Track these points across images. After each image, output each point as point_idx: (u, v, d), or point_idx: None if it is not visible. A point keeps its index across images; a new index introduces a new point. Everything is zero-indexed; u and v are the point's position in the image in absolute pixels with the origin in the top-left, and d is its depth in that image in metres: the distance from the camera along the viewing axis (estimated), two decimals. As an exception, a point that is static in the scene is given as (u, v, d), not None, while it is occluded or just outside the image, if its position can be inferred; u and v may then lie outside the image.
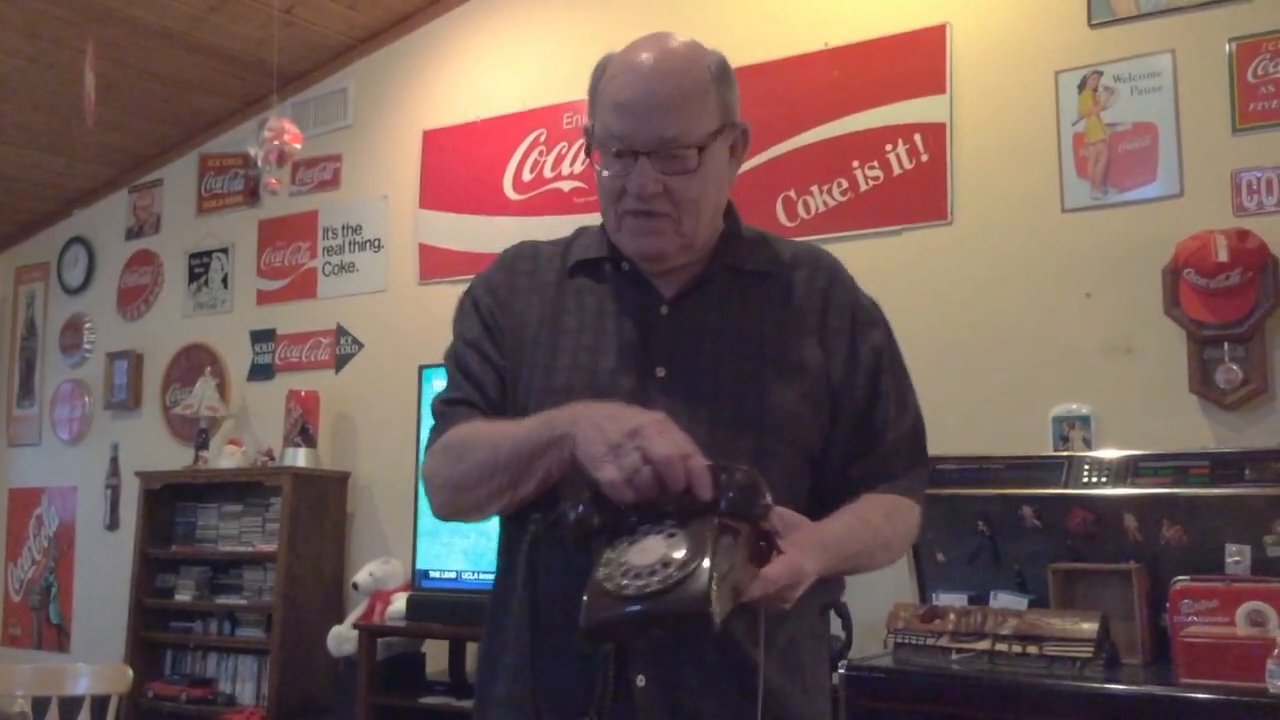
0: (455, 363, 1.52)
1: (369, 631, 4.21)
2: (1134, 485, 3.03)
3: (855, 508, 1.39)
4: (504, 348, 1.47)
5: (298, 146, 4.51)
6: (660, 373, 1.39)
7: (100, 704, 2.95)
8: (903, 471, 1.46)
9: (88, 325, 6.10)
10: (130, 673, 3.02)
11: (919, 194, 3.77)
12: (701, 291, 1.44)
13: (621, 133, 1.36)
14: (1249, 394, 3.16)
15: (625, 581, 1.08)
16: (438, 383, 4.38)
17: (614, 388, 1.37)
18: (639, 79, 1.36)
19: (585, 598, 1.10)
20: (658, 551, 1.09)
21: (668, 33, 1.43)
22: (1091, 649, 2.75)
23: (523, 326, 1.46)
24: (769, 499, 1.17)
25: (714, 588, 1.06)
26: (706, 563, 1.07)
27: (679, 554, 1.08)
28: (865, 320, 1.48)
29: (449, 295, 4.99)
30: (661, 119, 1.34)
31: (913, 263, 3.72)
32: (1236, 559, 2.86)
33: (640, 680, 1.30)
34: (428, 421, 4.81)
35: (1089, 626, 2.79)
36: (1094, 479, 3.08)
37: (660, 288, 1.45)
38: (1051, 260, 3.53)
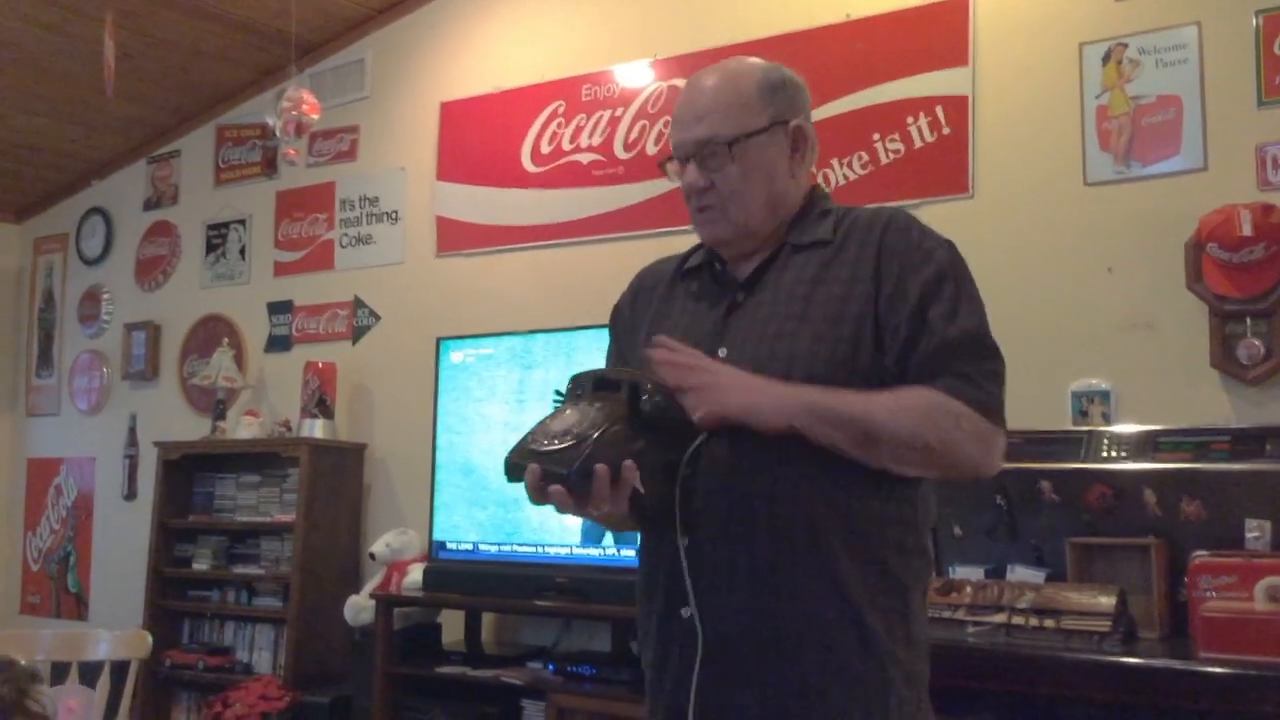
0: None
1: (386, 601, 4.23)
2: (1154, 460, 3.02)
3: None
4: (630, 355, 1.71)
5: (315, 117, 4.50)
6: (722, 353, 1.55)
7: (120, 669, 2.97)
8: (946, 371, 1.47)
9: (106, 296, 6.12)
10: (149, 638, 3.05)
11: (940, 167, 3.75)
12: (765, 274, 1.61)
13: (675, 142, 1.64)
14: (1271, 369, 3.14)
15: (536, 439, 1.39)
16: (455, 355, 4.41)
17: None
18: (685, 94, 1.65)
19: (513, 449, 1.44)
20: (570, 421, 1.39)
21: (740, 57, 1.68)
22: (1109, 623, 2.74)
23: (637, 329, 1.72)
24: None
25: (584, 454, 1.34)
26: (591, 436, 1.35)
27: (577, 428, 1.37)
28: (919, 259, 1.53)
29: (466, 268, 5.05)
30: (696, 124, 1.60)
31: (933, 236, 3.69)
32: (1256, 534, 2.84)
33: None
34: (445, 394, 4.83)
35: (1106, 600, 2.78)
36: (1113, 454, 3.06)
37: (738, 278, 1.63)
38: (1073, 234, 3.51)
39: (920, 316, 1.48)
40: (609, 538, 3.91)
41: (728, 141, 1.57)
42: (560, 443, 1.36)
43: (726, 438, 1.48)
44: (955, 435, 1.44)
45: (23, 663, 1.46)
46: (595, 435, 1.36)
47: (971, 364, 1.47)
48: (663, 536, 1.55)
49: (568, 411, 1.41)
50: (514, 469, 1.43)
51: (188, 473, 5.26)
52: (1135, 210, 3.42)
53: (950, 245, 1.57)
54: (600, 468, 1.36)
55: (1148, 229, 3.37)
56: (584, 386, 1.45)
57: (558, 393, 1.50)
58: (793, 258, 1.59)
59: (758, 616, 1.46)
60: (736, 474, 1.48)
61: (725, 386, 1.46)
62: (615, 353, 1.78)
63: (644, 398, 1.41)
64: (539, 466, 1.38)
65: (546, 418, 1.44)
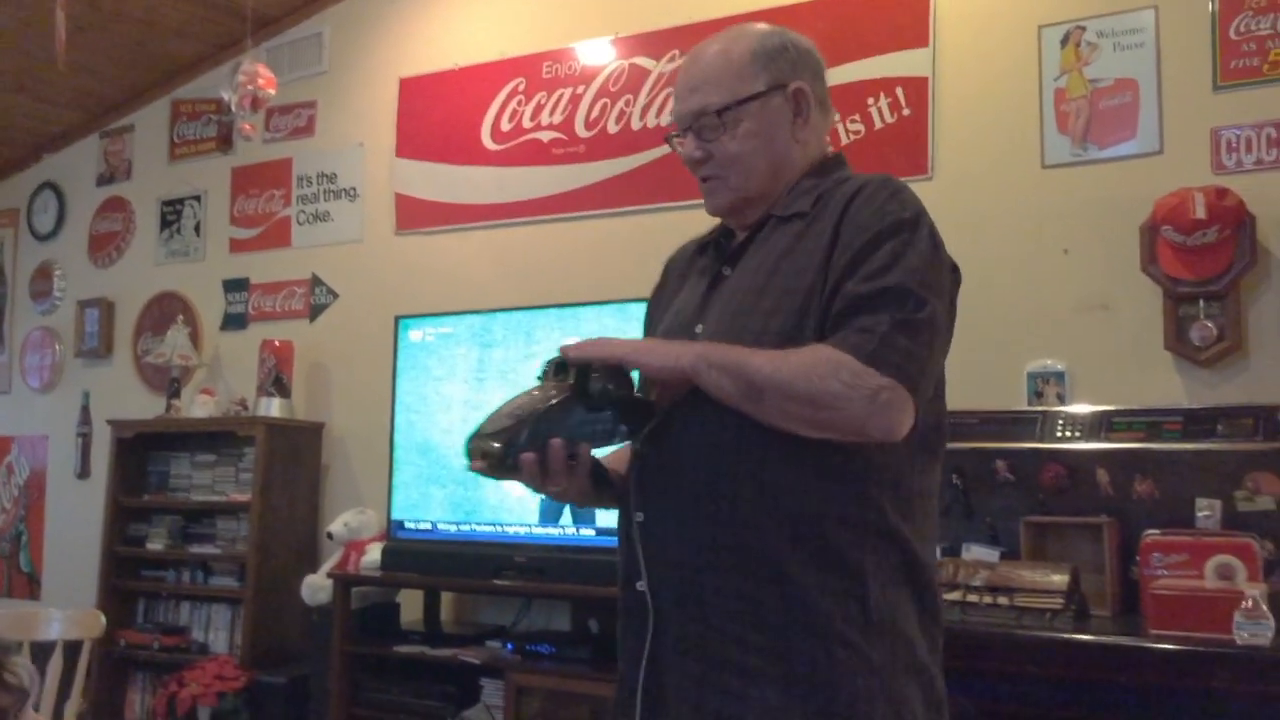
0: None
1: (344, 581, 4.21)
2: (1107, 440, 3.06)
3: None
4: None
5: (271, 92, 4.44)
6: (698, 329, 1.55)
7: (73, 649, 2.94)
8: (846, 326, 1.41)
9: (58, 272, 6.03)
10: (103, 618, 3.01)
11: (900, 148, 3.76)
12: (749, 246, 1.60)
13: (675, 116, 1.64)
14: (1223, 350, 3.18)
15: (488, 421, 1.43)
16: (414, 333, 4.37)
17: None
18: (683, 66, 1.64)
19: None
20: (518, 403, 1.43)
21: (743, 24, 1.65)
22: (1061, 600, 2.78)
23: (663, 307, 1.72)
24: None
25: (509, 440, 1.39)
26: (524, 427, 1.40)
27: (522, 410, 1.42)
28: (873, 221, 1.46)
29: (426, 246, 5.01)
30: (691, 96, 1.60)
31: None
32: (1207, 513, 2.89)
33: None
34: (404, 373, 4.80)
35: (1059, 578, 2.82)
36: (1068, 434, 3.10)
37: (722, 257, 1.63)
38: (1030, 216, 3.53)
39: (847, 276, 1.43)
40: (567, 517, 3.91)
41: (718, 110, 1.57)
42: (504, 424, 1.41)
43: (680, 415, 1.48)
44: (831, 387, 1.35)
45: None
46: (534, 416, 1.41)
47: (875, 316, 1.38)
48: (624, 513, 1.55)
49: (521, 395, 1.45)
50: (467, 452, 1.47)
51: (142, 451, 5.20)
52: (1092, 193, 3.45)
53: (917, 212, 1.49)
54: (527, 456, 1.40)
55: (1104, 211, 3.40)
56: (546, 371, 1.48)
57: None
58: (776, 230, 1.57)
59: (700, 591, 1.44)
60: (685, 450, 1.47)
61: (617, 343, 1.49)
62: (654, 318, 1.76)
63: (593, 376, 1.42)
64: (477, 446, 1.42)
65: (505, 400, 1.47)
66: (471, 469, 1.44)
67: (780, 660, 1.40)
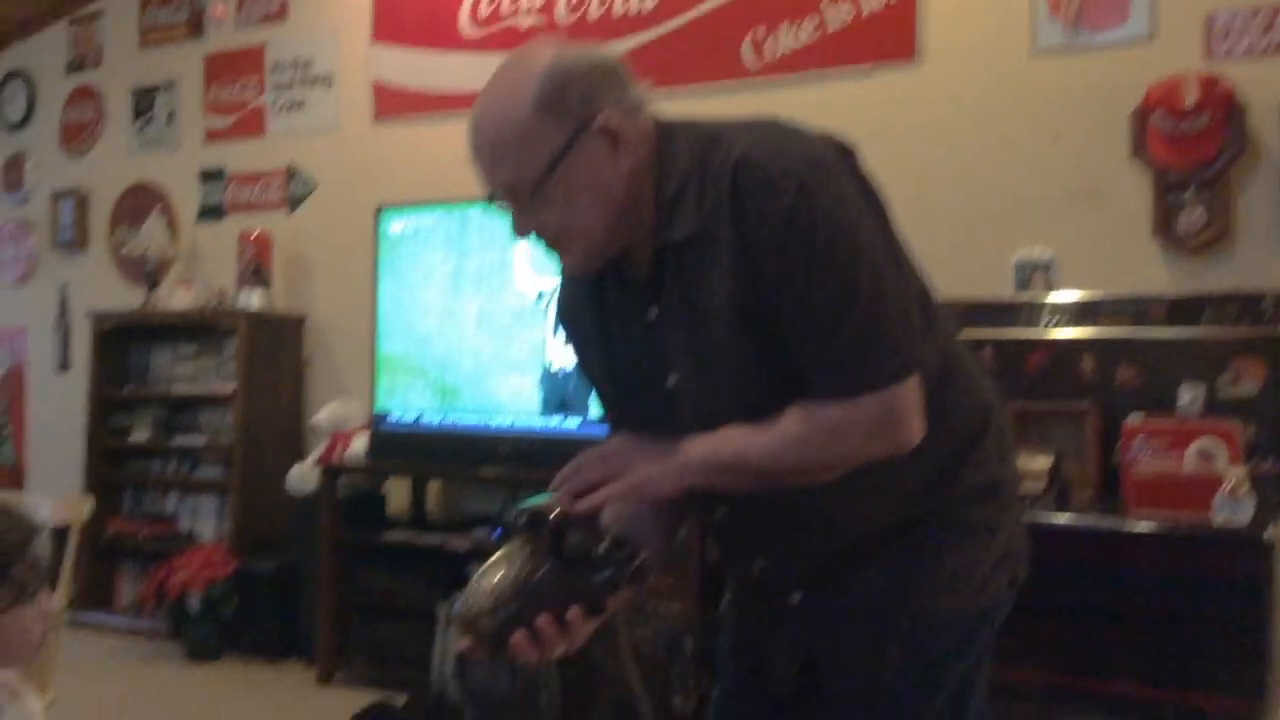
0: None
1: (330, 470, 4.23)
2: (1093, 326, 3.07)
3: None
4: (595, 360, 1.61)
5: (245, -27, 4.31)
6: (672, 380, 1.44)
7: (60, 535, 2.94)
8: (820, 369, 1.34)
9: (30, 163, 5.91)
10: (90, 502, 3.01)
11: (888, 33, 3.69)
12: (661, 283, 1.42)
13: (489, 187, 1.41)
14: (1210, 238, 3.18)
15: (466, 601, 1.34)
16: (395, 224, 4.33)
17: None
18: (471, 142, 1.40)
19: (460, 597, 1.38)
20: (494, 578, 1.34)
21: (497, 75, 1.39)
22: (1043, 484, 2.81)
23: (592, 340, 1.59)
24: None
25: (500, 622, 1.32)
26: (511, 605, 1.32)
27: (502, 591, 1.33)
28: (772, 241, 1.32)
29: (405, 135, 4.93)
30: (496, 170, 1.38)
31: (880, 104, 3.67)
32: (1189, 399, 2.92)
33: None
34: (385, 263, 4.76)
35: (1042, 463, 2.85)
36: (1053, 321, 3.11)
37: (640, 289, 1.45)
38: (1020, 103, 3.49)
39: (793, 320, 1.33)
40: (555, 406, 3.92)
41: (529, 188, 1.35)
42: (482, 607, 1.33)
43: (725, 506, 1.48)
44: (842, 451, 1.34)
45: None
46: (516, 595, 1.33)
47: (846, 347, 1.31)
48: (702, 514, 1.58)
49: (498, 566, 1.36)
50: (452, 627, 1.43)
51: (122, 343, 5.16)
52: (1083, 79, 3.41)
53: (799, 191, 1.30)
54: (518, 639, 1.34)
55: (1095, 98, 3.37)
56: (517, 527, 1.39)
57: (504, 526, 1.46)
58: (678, 257, 1.39)
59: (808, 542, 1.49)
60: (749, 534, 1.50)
61: (633, 472, 1.39)
62: (579, 349, 1.62)
63: (569, 534, 1.36)
64: (466, 629, 1.35)
65: (482, 570, 1.37)
66: (463, 653, 1.41)
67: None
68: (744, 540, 1.51)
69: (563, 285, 1.61)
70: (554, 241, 1.41)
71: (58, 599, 2.90)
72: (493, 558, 1.38)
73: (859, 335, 1.31)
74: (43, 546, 1.43)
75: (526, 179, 1.35)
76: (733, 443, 1.36)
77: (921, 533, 1.46)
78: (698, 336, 1.39)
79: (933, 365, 1.41)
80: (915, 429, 1.35)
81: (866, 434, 1.33)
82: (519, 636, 1.33)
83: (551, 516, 1.38)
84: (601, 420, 1.65)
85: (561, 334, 1.66)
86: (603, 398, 1.63)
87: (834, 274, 1.30)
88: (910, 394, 1.33)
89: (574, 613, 1.35)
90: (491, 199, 1.41)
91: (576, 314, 1.58)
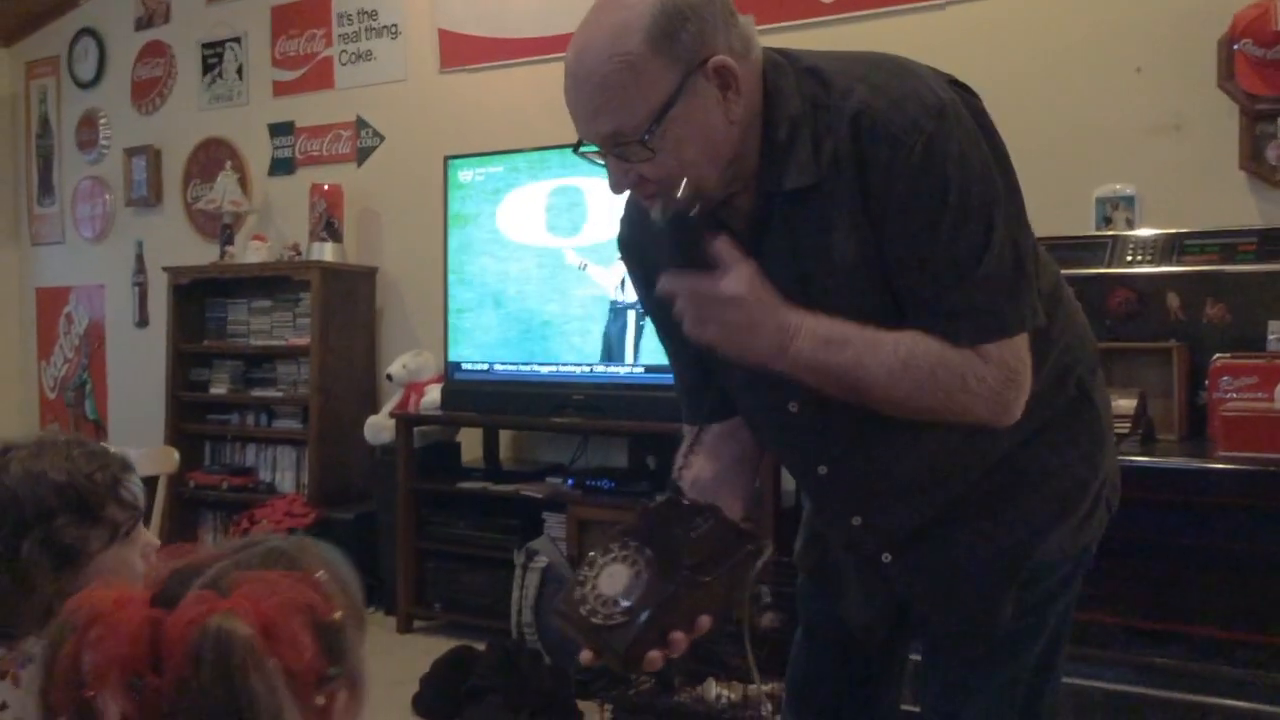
0: None
1: (406, 420, 4.27)
2: (1178, 263, 2.99)
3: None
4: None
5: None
6: None
7: (147, 485, 3.00)
8: (954, 312, 1.29)
9: (103, 120, 5.99)
10: (176, 454, 3.08)
11: (963, -35, 3.60)
12: (764, 236, 1.35)
13: (584, 138, 1.32)
14: (1301, 169, 3.08)
15: (586, 605, 1.28)
16: (463, 174, 4.33)
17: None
18: (569, 84, 1.31)
19: (561, 595, 1.33)
20: (619, 585, 1.27)
21: (600, 9, 1.30)
22: (1129, 425, 2.76)
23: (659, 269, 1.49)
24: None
25: (634, 639, 1.25)
26: (643, 617, 1.25)
27: (627, 601, 1.26)
28: (906, 191, 1.26)
29: (472, 83, 4.91)
30: (595, 121, 1.28)
31: (957, 38, 3.58)
32: (1278, 336, 2.84)
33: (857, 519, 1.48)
34: (455, 213, 4.77)
35: (1127, 404, 2.79)
36: (1137, 258, 3.03)
37: (738, 236, 1.36)
38: (1100, 34, 3.39)
39: (919, 271, 1.28)
40: (629, 355, 3.92)
41: (639, 137, 1.26)
42: (610, 618, 1.27)
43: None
44: (960, 400, 1.29)
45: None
46: (645, 614, 1.26)
47: (975, 297, 1.27)
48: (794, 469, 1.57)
49: (619, 569, 1.30)
50: (563, 626, 1.35)
51: (199, 298, 5.25)
52: (1166, 7, 3.30)
53: (928, 143, 1.23)
54: (652, 657, 1.27)
55: (1179, 26, 3.26)
56: (636, 535, 1.32)
57: (611, 548, 1.33)
58: (788, 208, 1.32)
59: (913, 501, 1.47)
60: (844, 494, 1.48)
61: (728, 337, 1.31)
62: (645, 284, 1.52)
63: (691, 539, 1.31)
64: (593, 646, 1.29)
65: (599, 570, 1.31)
66: (587, 663, 1.32)
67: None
68: (844, 497, 1.49)
69: (631, 225, 1.53)
70: (657, 195, 1.32)
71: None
72: (608, 555, 1.32)
73: (988, 287, 1.26)
74: (135, 484, 1.45)
75: (632, 127, 1.25)
76: (847, 352, 1.28)
77: (1026, 476, 1.43)
78: (808, 291, 1.32)
79: (1041, 310, 1.39)
80: (1023, 394, 1.31)
81: (985, 389, 1.29)
82: (653, 655, 1.27)
83: (670, 508, 1.34)
84: (675, 368, 1.60)
85: (628, 270, 1.60)
86: (671, 345, 1.56)
87: (965, 227, 1.25)
88: (1025, 348, 1.30)
89: (703, 621, 1.30)
90: (580, 149, 1.32)
91: (649, 258, 1.50)
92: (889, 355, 1.27)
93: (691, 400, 1.56)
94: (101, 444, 1.47)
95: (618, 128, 1.27)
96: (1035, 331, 1.34)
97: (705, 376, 1.52)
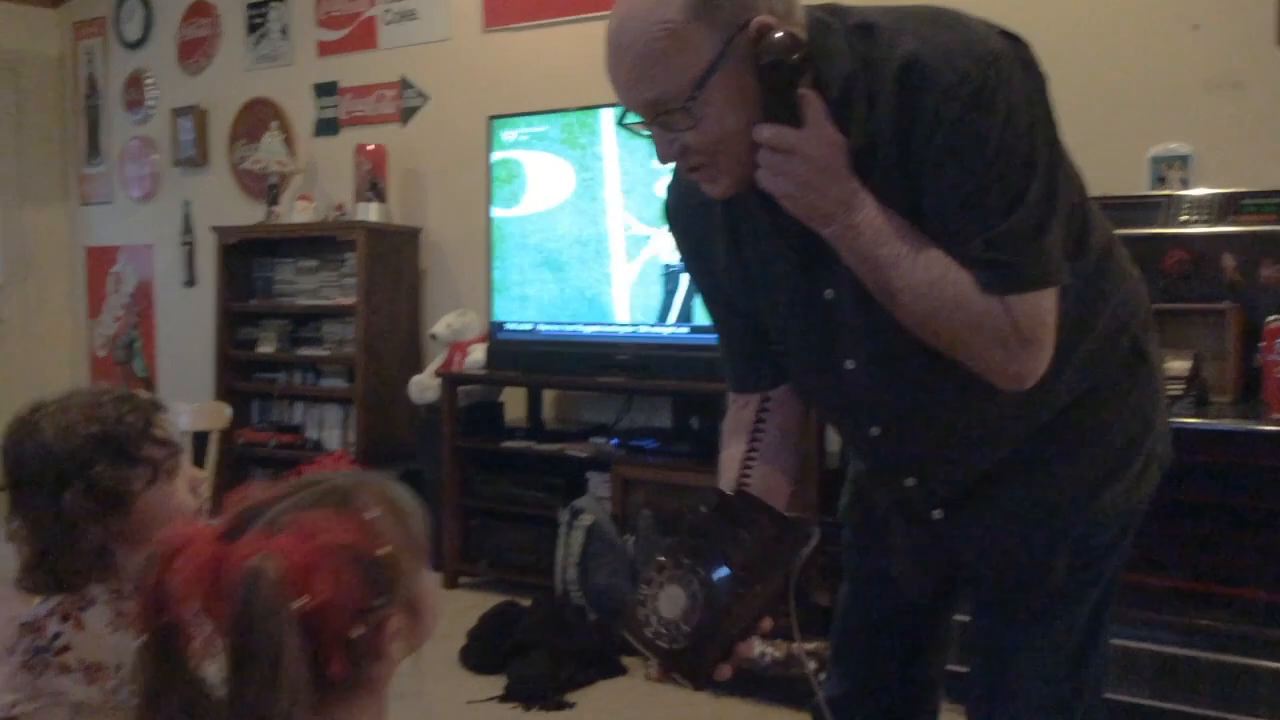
0: None
1: (451, 379, 4.30)
2: (1234, 223, 2.94)
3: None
4: (711, 266, 1.53)
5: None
6: (829, 295, 1.37)
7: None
8: (985, 274, 1.26)
9: (149, 80, 6.03)
10: (227, 409, 3.12)
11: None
12: None
13: (626, 106, 1.30)
14: (1362, 128, 3.02)
15: (650, 626, 1.32)
16: (507, 134, 4.32)
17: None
18: (610, 54, 1.28)
19: (624, 610, 1.36)
20: (678, 607, 1.30)
21: None
22: (1182, 386, 2.73)
23: (711, 243, 1.51)
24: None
25: (700, 662, 1.29)
26: (705, 640, 1.29)
27: (688, 626, 1.29)
28: (944, 144, 1.23)
29: (515, 43, 4.89)
30: (637, 90, 1.27)
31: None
32: (1336, 298, 2.80)
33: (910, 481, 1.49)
34: (499, 173, 4.76)
35: (1180, 365, 2.77)
36: (1192, 217, 2.99)
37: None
38: (1157, -11, 3.33)
39: (953, 218, 1.25)
40: (674, 314, 3.92)
41: (682, 104, 1.24)
42: (675, 641, 1.30)
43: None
44: (974, 340, 1.27)
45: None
46: (707, 637, 1.29)
47: (1003, 246, 1.24)
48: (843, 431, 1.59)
49: (676, 592, 1.31)
50: (631, 641, 1.37)
51: (246, 258, 5.30)
52: (1226, -39, 3.23)
53: (976, 94, 1.21)
54: (722, 670, 1.31)
55: (1239, -19, 3.20)
56: (689, 552, 1.33)
57: (663, 558, 1.34)
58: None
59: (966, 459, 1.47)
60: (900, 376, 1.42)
61: (796, 191, 1.26)
62: (692, 255, 1.54)
63: (744, 541, 1.33)
64: (662, 666, 1.34)
65: (657, 590, 1.32)
66: (658, 679, 1.40)
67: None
68: (898, 459, 1.49)
69: (678, 195, 1.52)
70: (701, 165, 1.30)
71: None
72: (664, 574, 1.33)
73: (1014, 240, 1.24)
74: (169, 422, 1.47)
75: (674, 95, 1.24)
76: (892, 248, 1.25)
77: (1080, 433, 1.43)
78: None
79: (1090, 263, 1.38)
80: (1040, 358, 1.28)
81: (998, 337, 1.26)
82: (722, 668, 1.31)
83: (720, 514, 1.35)
84: (724, 336, 1.57)
85: (675, 241, 1.58)
86: (722, 313, 1.55)
87: (1002, 179, 1.23)
88: (1048, 310, 1.27)
89: (764, 624, 1.33)
90: (624, 120, 1.31)
91: (696, 229, 1.49)
92: (923, 269, 1.25)
93: (741, 368, 1.55)
94: (124, 388, 1.50)
95: (659, 96, 1.25)
96: (1088, 289, 1.34)
97: (757, 343, 1.51)
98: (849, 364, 1.40)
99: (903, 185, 1.26)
